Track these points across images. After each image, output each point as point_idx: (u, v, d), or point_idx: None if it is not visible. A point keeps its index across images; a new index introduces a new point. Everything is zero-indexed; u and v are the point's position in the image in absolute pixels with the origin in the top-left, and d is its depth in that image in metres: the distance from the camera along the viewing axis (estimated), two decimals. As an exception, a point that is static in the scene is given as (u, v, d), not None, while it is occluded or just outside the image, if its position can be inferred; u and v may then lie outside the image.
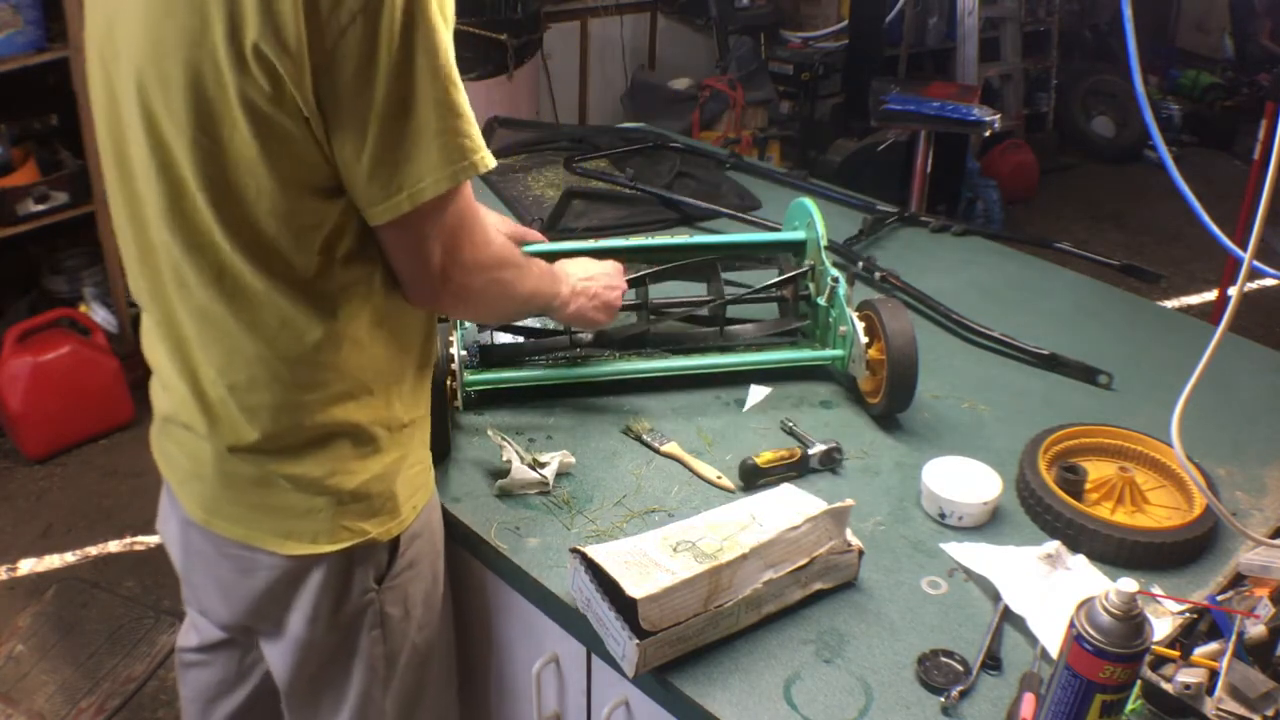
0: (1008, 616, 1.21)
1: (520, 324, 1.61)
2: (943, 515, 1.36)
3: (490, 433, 1.45)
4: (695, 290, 1.74)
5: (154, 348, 1.16)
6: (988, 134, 3.65)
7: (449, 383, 1.43)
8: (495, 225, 1.50)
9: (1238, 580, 1.23)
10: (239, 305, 1.03)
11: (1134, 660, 0.93)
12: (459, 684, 1.56)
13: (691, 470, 1.43)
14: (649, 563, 1.13)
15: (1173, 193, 1.53)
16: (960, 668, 1.13)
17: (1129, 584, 0.92)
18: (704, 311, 1.69)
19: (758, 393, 1.61)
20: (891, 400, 1.51)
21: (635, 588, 1.07)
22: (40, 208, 3.06)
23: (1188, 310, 4.12)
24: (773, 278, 1.72)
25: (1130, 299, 2.01)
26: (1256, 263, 1.17)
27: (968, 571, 1.28)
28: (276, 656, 1.23)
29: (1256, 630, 1.09)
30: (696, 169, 2.40)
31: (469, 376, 1.52)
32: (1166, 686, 1.04)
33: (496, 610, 1.43)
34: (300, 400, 1.07)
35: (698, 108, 4.51)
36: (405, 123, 0.96)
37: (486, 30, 3.67)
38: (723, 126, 4.52)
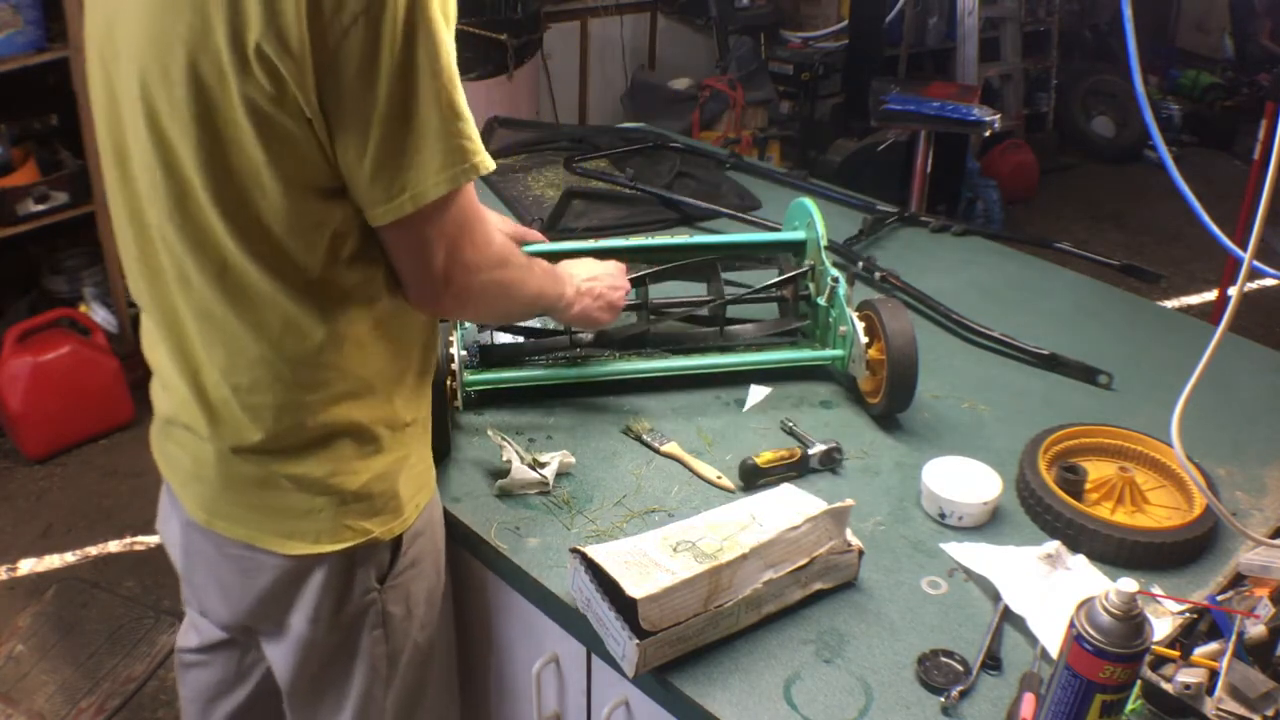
0: (1008, 616, 1.21)
1: (520, 324, 1.61)
2: (943, 515, 1.36)
3: (490, 433, 1.45)
4: (695, 290, 1.74)
5: (155, 348, 1.16)
6: (988, 134, 3.65)
7: (449, 383, 1.43)
8: (496, 225, 1.50)
9: (1238, 580, 1.23)
10: (243, 305, 1.03)
11: (1134, 660, 0.93)
12: (459, 684, 1.56)
13: (691, 470, 1.43)
14: (649, 563, 1.13)
15: (1173, 193, 1.53)
16: (960, 668, 1.13)
17: (1129, 584, 0.92)
18: (704, 311, 1.69)
19: (758, 393, 1.61)
20: (891, 400, 1.51)
21: (635, 588, 1.07)
22: (40, 208, 3.06)
23: (1188, 310, 4.12)
24: (773, 278, 1.72)
25: (1130, 299, 2.01)
26: (1256, 263, 1.17)
27: (968, 571, 1.28)
28: (278, 656, 1.23)
29: (1256, 630, 1.09)
30: (696, 169, 2.40)
31: (469, 376, 1.52)
32: (1166, 686, 1.04)
33: (496, 610, 1.43)
34: (303, 400, 1.07)
35: (698, 108, 4.51)
36: (407, 125, 0.96)
37: (486, 30, 3.67)
38: (723, 126, 4.52)
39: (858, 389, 1.59)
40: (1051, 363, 1.71)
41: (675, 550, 1.15)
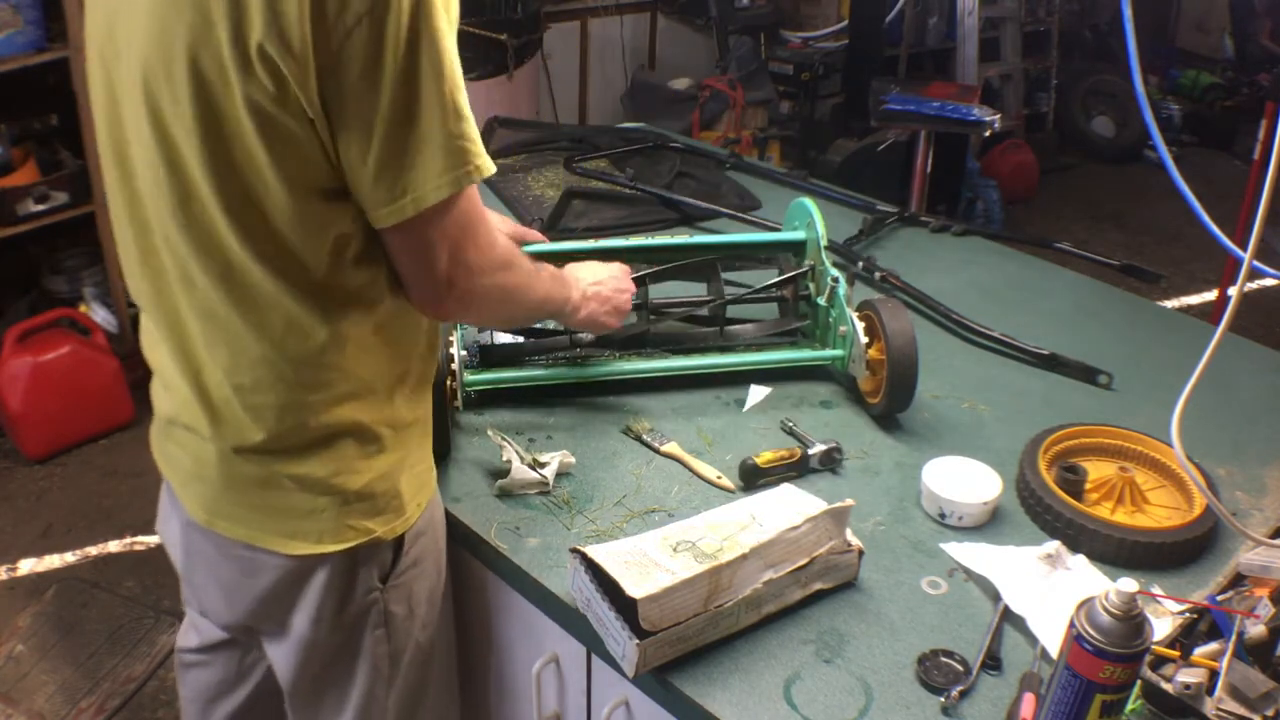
0: (1008, 616, 1.21)
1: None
2: (943, 515, 1.36)
3: (490, 433, 1.45)
4: (695, 290, 1.74)
5: (155, 348, 1.16)
6: (988, 134, 3.65)
7: (449, 383, 1.43)
8: (496, 226, 1.50)
9: (1238, 580, 1.23)
10: (246, 306, 1.03)
11: (1134, 660, 0.93)
12: (459, 684, 1.56)
13: (691, 470, 1.43)
14: (649, 563, 1.13)
15: (1173, 193, 1.53)
16: (960, 668, 1.13)
17: (1129, 584, 0.92)
18: (704, 311, 1.69)
19: (758, 393, 1.61)
20: (891, 400, 1.51)
21: (635, 588, 1.07)
22: (40, 208, 3.06)
23: (1188, 310, 4.12)
24: (773, 278, 1.73)
25: (1130, 299, 2.01)
26: (1256, 263, 1.17)
27: (968, 571, 1.28)
28: (280, 657, 1.23)
29: (1256, 630, 1.09)
30: (696, 169, 2.40)
31: (469, 376, 1.52)
32: (1166, 686, 1.04)
33: (496, 610, 1.43)
34: (305, 400, 1.07)
35: (698, 108, 4.51)
36: (410, 127, 0.96)
37: (486, 30, 3.67)
38: (723, 126, 4.52)
39: (858, 389, 1.59)
40: (1051, 363, 1.71)
41: (675, 550, 1.15)
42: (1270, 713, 1.02)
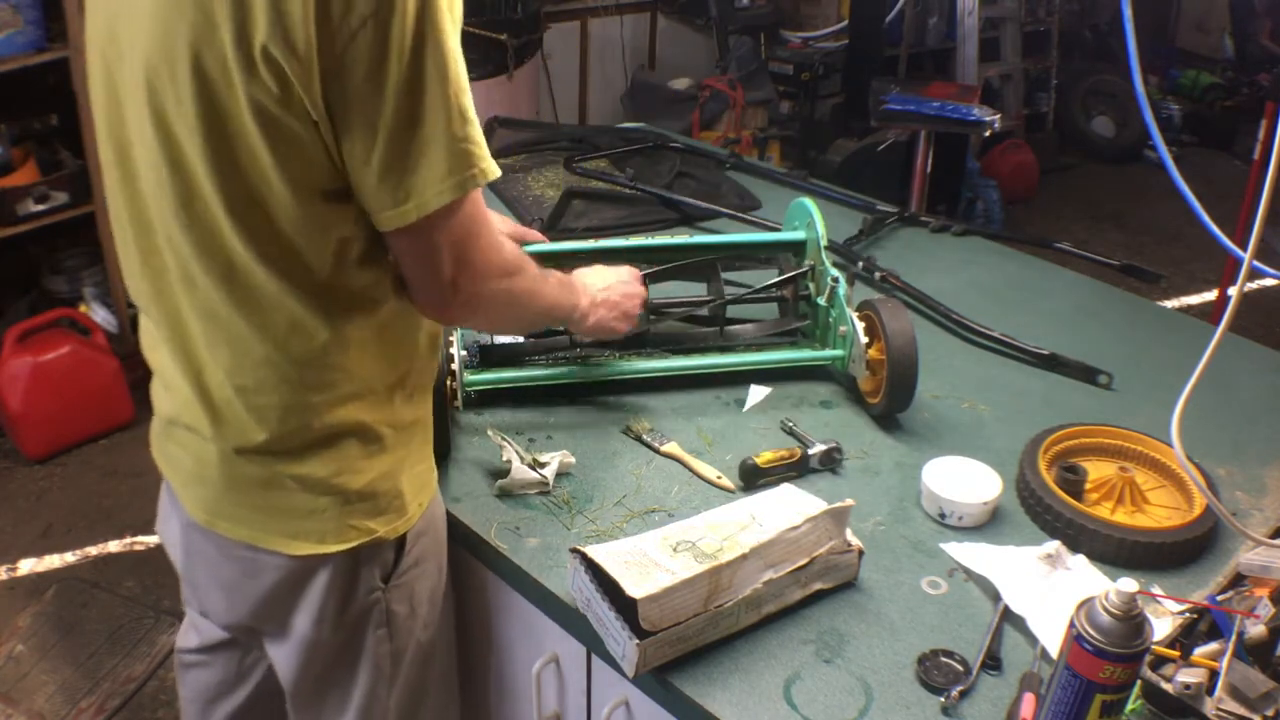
0: (1008, 616, 1.21)
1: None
2: (943, 515, 1.36)
3: (490, 433, 1.45)
4: (695, 290, 1.74)
5: (156, 349, 1.16)
6: (988, 134, 3.65)
7: (449, 383, 1.43)
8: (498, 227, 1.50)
9: (1238, 580, 1.23)
10: (248, 306, 1.03)
11: (1134, 660, 0.93)
12: (459, 684, 1.56)
13: (691, 470, 1.43)
14: (649, 563, 1.13)
15: (1173, 193, 1.53)
16: (960, 668, 1.13)
17: (1129, 584, 0.92)
18: (704, 311, 1.69)
19: (758, 393, 1.61)
20: (891, 400, 1.51)
21: (635, 588, 1.07)
22: (40, 208, 3.06)
23: (1188, 310, 4.12)
24: (773, 278, 1.73)
25: (1130, 299, 2.01)
26: (1256, 263, 1.17)
27: (968, 571, 1.28)
28: (282, 657, 1.23)
29: (1256, 630, 1.09)
30: (696, 169, 2.40)
31: (469, 376, 1.52)
32: (1166, 686, 1.04)
33: (496, 610, 1.43)
34: (308, 401, 1.07)
35: (698, 108, 4.51)
36: (414, 130, 0.96)
37: (486, 30, 3.67)
38: (723, 126, 4.52)
39: (858, 389, 1.59)
40: (1051, 363, 1.71)
41: (675, 550, 1.15)
42: (1270, 713, 1.02)
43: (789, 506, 1.25)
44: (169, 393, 1.15)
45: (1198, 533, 1.29)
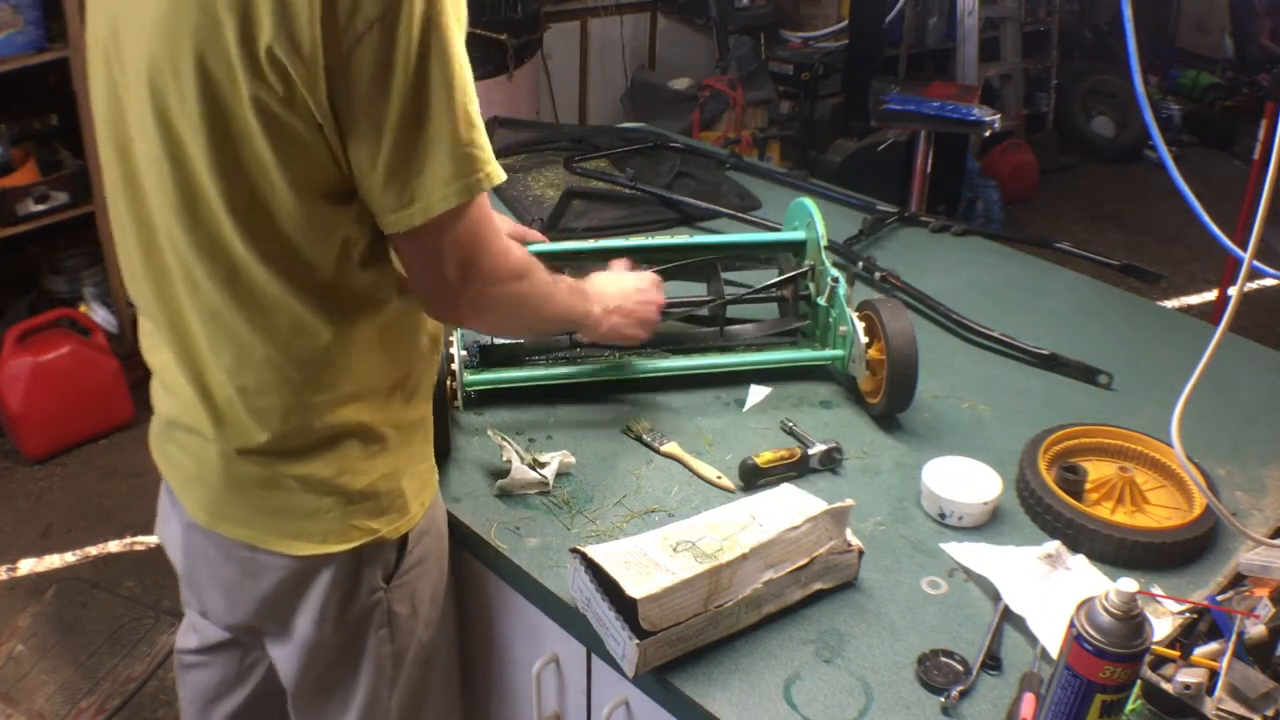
0: (1008, 616, 1.21)
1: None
2: (943, 515, 1.36)
3: (490, 433, 1.45)
4: (695, 290, 1.74)
5: (156, 349, 1.16)
6: (988, 134, 3.65)
7: (449, 383, 1.43)
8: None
9: (1238, 580, 1.23)
10: (251, 307, 1.03)
11: (1134, 660, 0.93)
12: (459, 684, 1.56)
13: (691, 470, 1.43)
14: (649, 563, 1.13)
15: (1173, 193, 1.53)
16: (960, 668, 1.13)
17: (1129, 584, 0.92)
18: (704, 311, 1.69)
19: (758, 393, 1.61)
20: (891, 400, 1.51)
21: (635, 588, 1.07)
22: (40, 208, 3.06)
23: (1188, 310, 4.12)
24: (773, 278, 1.73)
25: (1130, 299, 2.01)
26: (1256, 263, 1.17)
27: (968, 571, 1.28)
28: (283, 657, 1.23)
29: (1256, 630, 1.09)
30: (696, 169, 2.40)
31: (469, 376, 1.52)
32: (1166, 686, 1.04)
33: (496, 610, 1.43)
34: (310, 402, 1.07)
35: (698, 108, 4.51)
36: (420, 133, 0.95)
37: (486, 30, 3.67)
38: (723, 126, 4.52)
39: (858, 389, 1.59)
40: (1051, 363, 1.71)
41: (675, 550, 1.15)
42: (1270, 713, 1.02)
43: (789, 506, 1.25)
44: (169, 394, 1.15)
45: (1198, 533, 1.29)
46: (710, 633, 1.14)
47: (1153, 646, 1.05)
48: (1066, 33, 5.87)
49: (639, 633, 1.09)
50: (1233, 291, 1.09)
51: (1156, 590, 1.23)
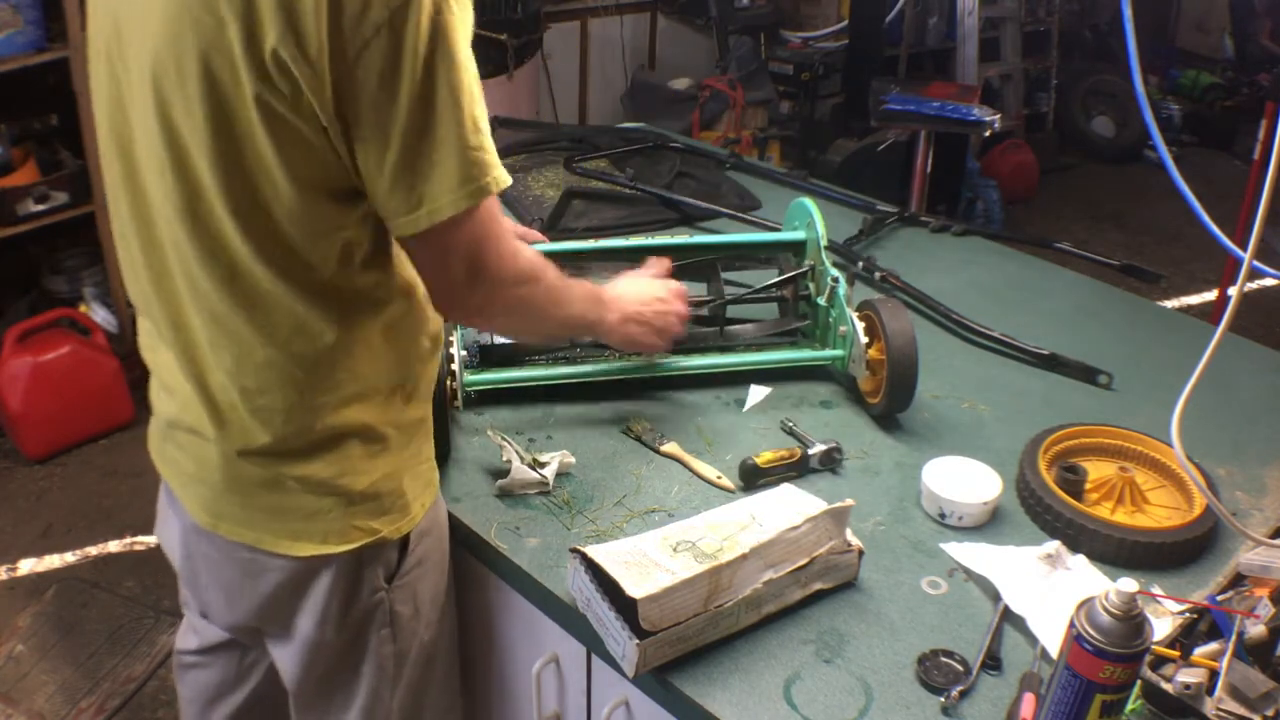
0: (1008, 616, 1.21)
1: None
2: (943, 515, 1.36)
3: (490, 433, 1.45)
4: (695, 290, 1.74)
5: (156, 350, 1.16)
6: (988, 134, 3.65)
7: (449, 383, 1.43)
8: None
9: (1238, 580, 1.23)
10: (252, 308, 1.03)
11: (1134, 660, 0.93)
12: (459, 683, 1.56)
13: (691, 470, 1.43)
14: (649, 563, 1.13)
15: (1173, 193, 1.53)
16: (960, 668, 1.13)
17: (1129, 584, 0.92)
18: (704, 311, 1.69)
19: (758, 393, 1.61)
20: (891, 400, 1.51)
21: (635, 588, 1.07)
22: (40, 208, 3.06)
23: (1188, 310, 4.12)
24: (773, 278, 1.73)
25: (1130, 299, 2.01)
26: (1256, 263, 1.17)
27: (968, 571, 1.28)
28: (285, 658, 1.23)
29: (1256, 630, 1.09)
30: (696, 169, 2.40)
31: (469, 376, 1.52)
32: (1166, 686, 1.04)
33: (496, 610, 1.43)
34: (312, 402, 1.07)
35: (698, 108, 4.51)
36: (427, 138, 0.95)
37: (486, 30, 3.67)
38: (723, 126, 4.52)
39: (858, 389, 1.59)
40: (1051, 363, 1.71)
41: (675, 550, 1.15)
42: (1270, 713, 1.02)
43: (789, 506, 1.25)
44: (170, 394, 1.15)
45: (1198, 533, 1.29)
46: (710, 633, 1.14)
47: (1153, 646, 1.05)
48: (1066, 33, 5.87)
49: (639, 633, 1.09)
50: (1233, 291, 1.09)
51: (1156, 590, 1.23)
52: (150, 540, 2.81)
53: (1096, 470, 1.41)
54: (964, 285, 1.95)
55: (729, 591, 1.13)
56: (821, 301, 1.65)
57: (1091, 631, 0.92)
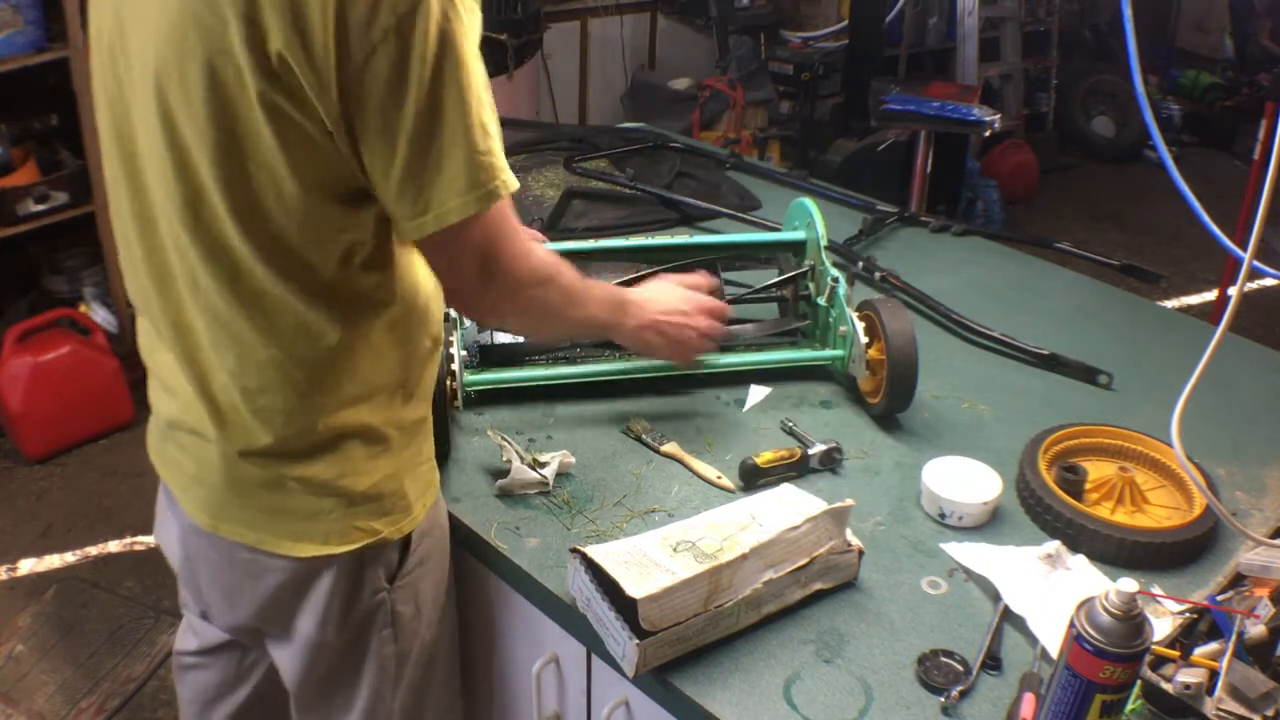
0: (1008, 616, 1.21)
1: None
2: (943, 515, 1.36)
3: (490, 433, 1.45)
4: (696, 290, 1.74)
5: (156, 350, 1.15)
6: (988, 134, 3.66)
7: (449, 383, 1.43)
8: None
9: (1238, 580, 1.23)
10: (254, 309, 1.03)
11: (1134, 660, 0.93)
12: (460, 683, 1.56)
13: (691, 470, 1.43)
14: (649, 563, 1.13)
15: (1173, 193, 1.53)
16: (960, 668, 1.13)
17: (1129, 584, 0.92)
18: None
19: (758, 393, 1.61)
20: (891, 400, 1.51)
21: (635, 588, 1.07)
22: (40, 208, 3.06)
23: (1188, 310, 4.12)
24: (773, 278, 1.73)
25: (1130, 299, 2.01)
26: (1256, 263, 1.17)
27: (968, 571, 1.27)
28: (286, 659, 1.23)
29: (1256, 630, 1.09)
30: (696, 169, 2.40)
31: (469, 376, 1.52)
32: (1166, 686, 1.04)
33: (496, 610, 1.43)
34: (314, 403, 1.07)
35: (698, 108, 4.51)
36: (434, 142, 0.95)
37: (487, 30, 3.66)
38: (723, 126, 4.52)
39: (858, 389, 1.59)
40: (1051, 363, 1.71)
41: (675, 550, 1.15)
42: (1270, 713, 1.02)
43: (789, 506, 1.25)
44: (170, 395, 1.15)
45: (1198, 533, 1.29)
46: (710, 633, 1.14)
47: (1153, 646, 1.05)
48: (1066, 33, 5.87)
49: (639, 633, 1.09)
50: (1233, 291, 1.09)
51: (1156, 590, 1.23)
52: (150, 540, 2.81)
53: (1096, 470, 1.41)
54: (964, 285, 1.95)
55: (729, 591, 1.13)
56: (821, 301, 1.65)
57: (1091, 631, 0.92)
